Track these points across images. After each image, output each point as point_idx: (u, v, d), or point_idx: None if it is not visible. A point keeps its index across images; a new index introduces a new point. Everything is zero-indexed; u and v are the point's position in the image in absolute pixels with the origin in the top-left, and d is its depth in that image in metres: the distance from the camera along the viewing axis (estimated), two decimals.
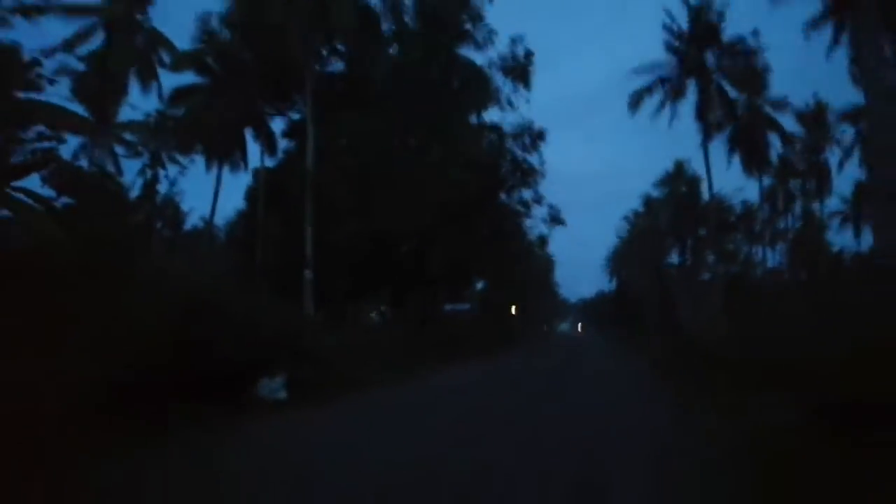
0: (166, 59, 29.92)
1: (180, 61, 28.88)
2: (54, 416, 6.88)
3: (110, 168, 39.63)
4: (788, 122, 37.04)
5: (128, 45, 28.30)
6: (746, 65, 30.74)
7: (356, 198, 23.29)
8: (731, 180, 73.83)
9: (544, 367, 23.99)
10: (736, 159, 36.32)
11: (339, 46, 28.54)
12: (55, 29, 28.84)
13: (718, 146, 34.94)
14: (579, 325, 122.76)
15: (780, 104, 34.67)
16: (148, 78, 30.26)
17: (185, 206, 37.35)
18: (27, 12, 19.23)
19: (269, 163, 32.09)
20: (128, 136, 41.17)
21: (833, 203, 43.85)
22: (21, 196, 16.71)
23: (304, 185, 23.16)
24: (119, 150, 41.54)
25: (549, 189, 32.29)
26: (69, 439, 6.87)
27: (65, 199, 17.30)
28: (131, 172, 34.29)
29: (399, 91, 27.59)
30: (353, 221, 22.81)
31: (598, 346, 44.16)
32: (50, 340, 7.61)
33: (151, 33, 29.14)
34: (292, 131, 31.05)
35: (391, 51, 28.47)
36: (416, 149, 26.64)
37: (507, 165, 28.98)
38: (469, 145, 25.66)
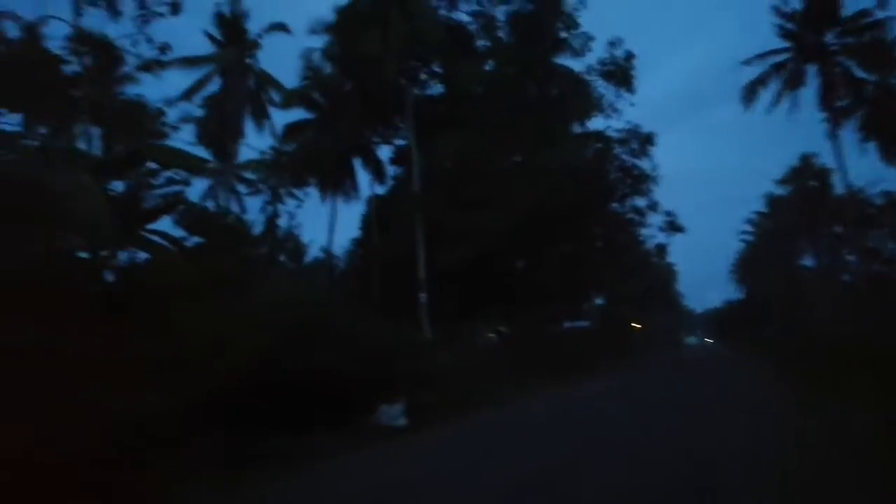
0: (276, 97, 31.53)
1: (289, 99, 30.27)
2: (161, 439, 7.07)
3: (234, 206, 42.08)
4: None
5: (241, 88, 30.05)
6: (874, 40, 28.00)
7: (463, 218, 23.22)
8: (867, 171, 67.80)
9: (665, 384, 22.47)
10: (871, 146, 33.22)
11: (436, 68, 28.90)
12: (176, 80, 31.17)
13: (850, 134, 32.18)
14: (708, 337, 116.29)
15: None
16: (260, 117, 31.95)
17: (304, 239, 38.94)
18: (150, 68, 20.77)
19: (381, 190, 32.89)
20: (248, 175, 43.63)
21: None
22: (156, 238, 17.93)
23: (412, 210, 23.40)
24: (241, 188, 44.06)
25: (665, 195, 30.70)
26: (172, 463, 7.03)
27: (195, 239, 18.47)
28: (254, 209, 36.33)
29: (498, 107, 27.46)
30: (461, 242, 22.72)
31: (729, 360, 41.09)
32: (155, 364, 7.87)
33: (261, 75, 30.78)
34: (399, 157, 31.64)
35: (487, 67, 28.41)
36: (519, 164, 26.30)
37: (615, 173, 27.95)
38: (573, 155, 24.97)
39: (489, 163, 24.46)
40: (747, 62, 29.96)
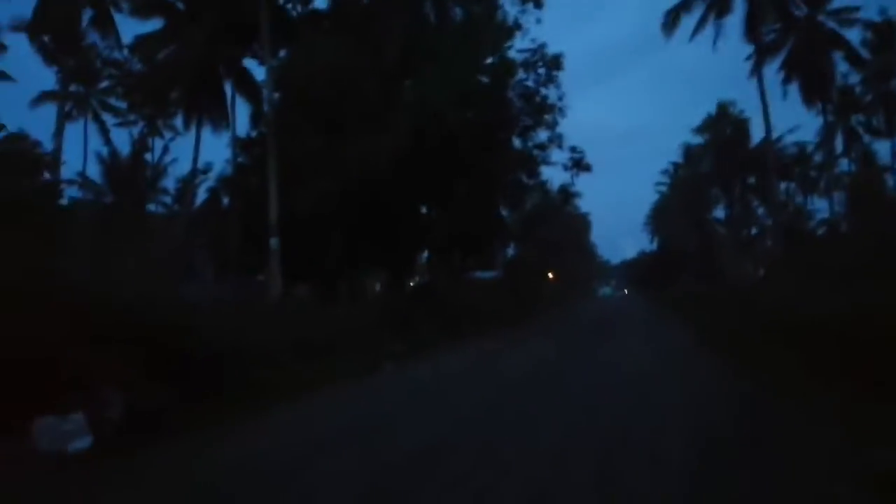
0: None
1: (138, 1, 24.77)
2: None
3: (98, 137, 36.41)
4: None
5: None
6: None
7: (333, 147, 19.16)
8: (785, 119, 66.89)
9: (574, 342, 19.52)
10: (793, 90, 30.92)
11: None
12: None
13: (773, 83, 29.54)
14: (622, 287, 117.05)
15: (847, 16, 28.77)
16: (104, 26, 26.46)
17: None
18: None
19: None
20: (114, 102, 37.85)
21: None
22: None
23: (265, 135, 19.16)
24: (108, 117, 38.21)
25: (585, 148, 26.40)
26: None
27: None
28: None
29: (388, 23, 23.23)
30: (327, 175, 18.68)
31: (641, 312, 39.09)
32: None
33: None
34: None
35: None
36: (407, 87, 22.30)
37: (518, 102, 24.17)
38: (469, 79, 21.11)
39: (369, 84, 20.34)
40: None
